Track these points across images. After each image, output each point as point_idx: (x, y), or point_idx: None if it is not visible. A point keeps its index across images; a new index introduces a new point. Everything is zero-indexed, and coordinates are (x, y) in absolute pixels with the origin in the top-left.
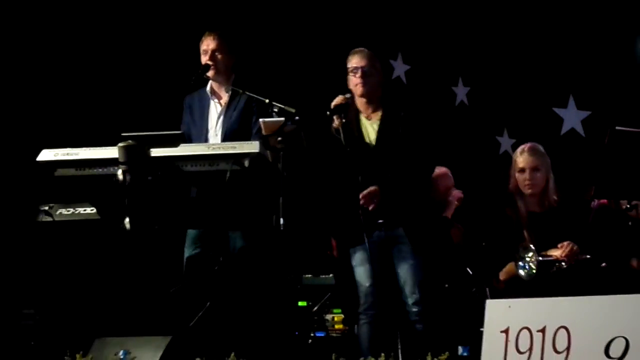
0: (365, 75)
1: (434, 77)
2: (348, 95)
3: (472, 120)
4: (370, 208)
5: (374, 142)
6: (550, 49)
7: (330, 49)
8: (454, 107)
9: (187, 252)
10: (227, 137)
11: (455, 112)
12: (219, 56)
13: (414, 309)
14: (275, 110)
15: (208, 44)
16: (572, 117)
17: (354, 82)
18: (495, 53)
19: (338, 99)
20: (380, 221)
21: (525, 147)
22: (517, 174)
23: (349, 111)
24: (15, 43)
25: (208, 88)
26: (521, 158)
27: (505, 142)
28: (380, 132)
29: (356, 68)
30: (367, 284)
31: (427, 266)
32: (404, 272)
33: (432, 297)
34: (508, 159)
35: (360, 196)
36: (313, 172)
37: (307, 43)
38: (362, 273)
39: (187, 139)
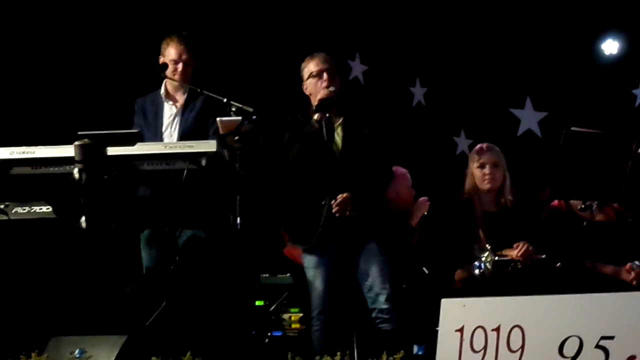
0: (332, 77)
1: (391, 77)
2: (332, 89)
3: (430, 120)
4: (346, 215)
5: (339, 148)
6: (507, 50)
7: (289, 49)
8: (412, 108)
9: (145, 259)
10: (183, 138)
11: (412, 113)
12: (189, 67)
13: (385, 307)
14: (233, 109)
15: (180, 54)
16: (529, 118)
17: (320, 85)
18: (452, 54)
19: (324, 92)
20: (337, 235)
21: (484, 145)
22: (475, 170)
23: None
24: None
25: (162, 90)
26: (481, 154)
27: (462, 142)
28: (344, 140)
29: (320, 71)
30: (320, 288)
31: (393, 263)
32: (373, 269)
33: (400, 295)
34: (465, 159)
35: (334, 205)
36: (276, 170)
37: (265, 43)
38: (315, 276)
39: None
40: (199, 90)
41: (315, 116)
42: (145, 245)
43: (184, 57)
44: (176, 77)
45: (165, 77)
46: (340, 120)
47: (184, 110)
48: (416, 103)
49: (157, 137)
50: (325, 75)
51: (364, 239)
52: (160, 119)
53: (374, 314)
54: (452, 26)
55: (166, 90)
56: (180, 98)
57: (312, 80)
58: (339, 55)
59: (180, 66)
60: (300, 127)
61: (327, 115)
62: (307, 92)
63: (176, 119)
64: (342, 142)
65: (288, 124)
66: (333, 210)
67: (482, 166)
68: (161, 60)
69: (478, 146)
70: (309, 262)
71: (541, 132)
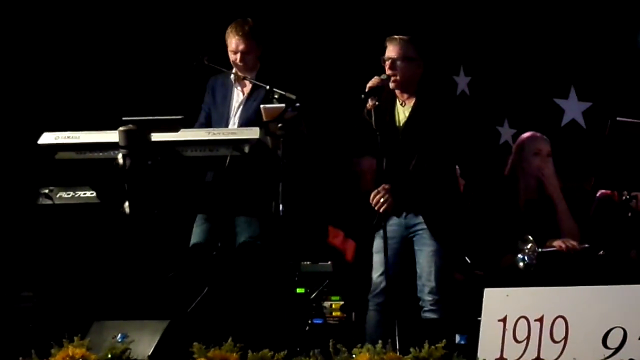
0: (396, 67)
1: (435, 65)
2: (384, 77)
3: (473, 110)
4: (381, 210)
5: (402, 126)
6: (552, 40)
7: (338, 37)
8: (456, 97)
9: (194, 238)
10: (243, 126)
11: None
12: (248, 57)
13: (428, 298)
14: (276, 96)
15: (237, 45)
16: (573, 108)
17: (387, 72)
18: (497, 43)
19: (374, 81)
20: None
21: (536, 133)
22: (531, 157)
23: (384, 94)
24: (18, 26)
25: (232, 76)
26: (537, 142)
27: (506, 132)
28: (409, 118)
29: (388, 58)
30: (379, 272)
31: (447, 254)
32: (423, 258)
33: (449, 286)
34: (508, 149)
35: (371, 196)
36: (321, 158)
37: (317, 30)
38: (377, 260)
39: (207, 119)
40: (243, 77)
41: (367, 105)
42: (197, 230)
43: (240, 47)
44: (237, 66)
45: (210, 64)
46: (413, 101)
47: (248, 99)
48: (460, 92)
49: (223, 119)
50: (389, 64)
51: (420, 226)
52: (228, 103)
53: (420, 303)
54: (496, 15)
55: (236, 75)
56: (248, 86)
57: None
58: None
59: (238, 57)
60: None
61: (377, 103)
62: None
63: (241, 105)
64: (406, 122)
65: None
66: (372, 202)
67: (537, 154)
68: (231, 57)
69: (531, 134)
70: (375, 246)
71: (585, 122)
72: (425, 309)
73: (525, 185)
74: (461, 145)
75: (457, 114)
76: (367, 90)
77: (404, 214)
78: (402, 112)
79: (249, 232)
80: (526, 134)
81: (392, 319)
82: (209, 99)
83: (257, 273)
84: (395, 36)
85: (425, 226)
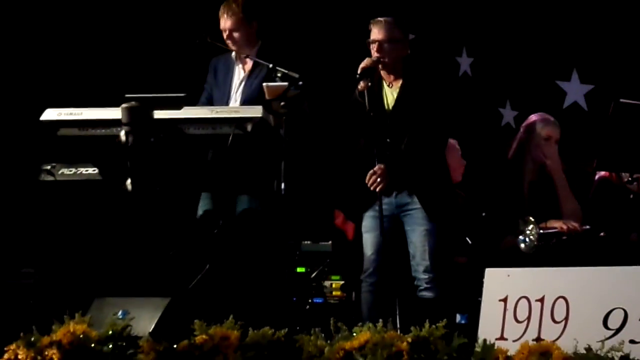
0: (383, 49)
1: (437, 46)
2: (374, 58)
3: (475, 91)
4: (377, 190)
5: (391, 109)
6: (554, 22)
7: (339, 17)
8: (458, 78)
9: (203, 205)
10: (245, 103)
11: (458, 83)
12: (236, 34)
13: (424, 276)
14: (279, 75)
15: (225, 23)
16: (575, 91)
17: (373, 54)
18: (499, 25)
19: (366, 61)
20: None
21: (549, 117)
22: (541, 142)
23: (375, 76)
24: (22, 2)
25: (233, 53)
26: (549, 128)
27: (508, 113)
28: (398, 99)
29: (374, 41)
30: (371, 251)
31: (441, 233)
32: (416, 238)
33: (443, 265)
34: (510, 131)
35: (367, 176)
36: (323, 137)
37: (317, 10)
38: (368, 240)
39: (209, 99)
40: (243, 55)
41: (360, 86)
42: (204, 201)
43: (227, 25)
44: (230, 44)
45: (213, 42)
46: (400, 82)
47: (249, 76)
48: (462, 73)
49: (224, 98)
50: (376, 46)
51: (412, 205)
52: (230, 81)
53: (415, 282)
54: None
55: (237, 53)
56: (249, 64)
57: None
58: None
59: (225, 35)
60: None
61: (370, 84)
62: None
63: (242, 83)
64: (395, 103)
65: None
66: (368, 182)
67: (547, 139)
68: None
69: (544, 117)
70: (364, 225)
71: (587, 105)
72: (421, 287)
73: (530, 168)
74: (453, 124)
75: (445, 91)
76: (359, 71)
77: (395, 193)
78: (390, 93)
79: (249, 204)
80: (537, 116)
81: (388, 298)
82: (211, 78)
83: (258, 240)
84: (380, 18)
85: (417, 205)
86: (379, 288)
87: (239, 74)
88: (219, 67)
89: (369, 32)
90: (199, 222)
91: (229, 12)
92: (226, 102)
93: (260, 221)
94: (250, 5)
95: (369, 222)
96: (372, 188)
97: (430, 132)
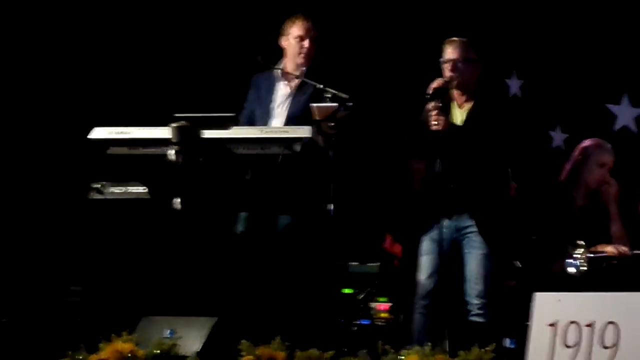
0: (457, 69)
1: (488, 68)
2: (446, 78)
3: (525, 113)
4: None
5: (460, 124)
6: (606, 45)
7: (391, 37)
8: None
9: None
10: (290, 121)
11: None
12: (315, 44)
13: (476, 301)
14: (329, 95)
15: (308, 31)
16: (625, 114)
17: (447, 74)
18: (550, 47)
19: (438, 82)
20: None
21: (605, 143)
22: (595, 167)
23: (445, 96)
24: (72, 18)
25: (279, 71)
26: (605, 154)
27: (558, 136)
28: (467, 120)
29: (449, 60)
30: (427, 274)
31: (497, 258)
32: (473, 261)
33: (496, 291)
34: (560, 154)
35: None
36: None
37: (371, 28)
38: (425, 262)
39: (250, 116)
40: (299, 78)
41: (430, 106)
42: (242, 222)
43: (311, 34)
44: (302, 55)
45: (264, 62)
46: (471, 103)
47: (296, 93)
48: (512, 95)
49: (266, 114)
50: (450, 66)
51: (471, 229)
52: (271, 96)
53: (467, 306)
54: (550, 19)
55: (284, 69)
56: (294, 81)
57: (443, 67)
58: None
59: (306, 42)
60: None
61: (441, 104)
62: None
63: (289, 99)
64: (465, 120)
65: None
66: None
67: (602, 166)
68: (282, 41)
69: (600, 143)
70: (423, 248)
71: (637, 128)
72: (473, 312)
73: (582, 193)
74: (514, 148)
75: (512, 116)
76: (431, 91)
77: (454, 216)
78: (460, 114)
79: (289, 221)
80: (592, 141)
81: (440, 321)
82: (253, 95)
83: (306, 260)
84: (455, 38)
85: (475, 229)
86: (432, 311)
87: (285, 89)
88: (261, 84)
89: (440, 52)
90: (242, 241)
91: (311, 22)
92: (268, 119)
93: (304, 237)
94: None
95: (427, 245)
96: (433, 128)
97: (495, 156)
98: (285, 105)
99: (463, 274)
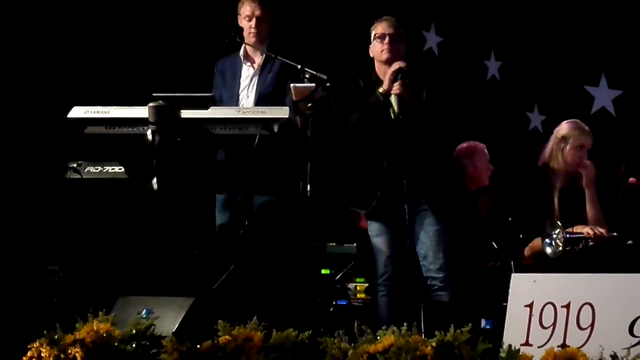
0: (393, 42)
1: (466, 50)
2: (403, 64)
3: (503, 95)
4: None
5: (396, 114)
6: (583, 27)
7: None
8: (485, 81)
9: (219, 218)
10: (260, 99)
11: (486, 86)
12: (263, 24)
13: (438, 275)
14: (307, 76)
15: (253, 11)
16: (603, 96)
17: (380, 48)
18: (528, 29)
19: (400, 63)
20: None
21: (583, 126)
22: (572, 149)
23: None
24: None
25: (241, 52)
26: (583, 137)
27: (535, 118)
28: (400, 104)
29: (383, 34)
30: (384, 255)
31: (451, 233)
32: (427, 238)
33: (457, 265)
34: (537, 135)
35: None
36: (343, 139)
37: (338, 10)
38: (380, 243)
39: (219, 103)
40: (273, 56)
41: (395, 89)
42: (220, 209)
43: (256, 13)
44: (251, 34)
45: (242, 41)
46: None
47: (261, 71)
48: (490, 77)
49: (234, 98)
50: (387, 39)
51: (420, 207)
52: (238, 80)
53: (428, 282)
54: (528, 0)
55: (245, 51)
56: (258, 59)
57: (375, 43)
58: (414, 26)
59: (253, 22)
60: (362, 94)
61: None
62: (371, 54)
63: (254, 79)
64: (398, 107)
65: (351, 90)
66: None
67: (580, 147)
68: (239, 20)
69: (578, 125)
70: (373, 229)
71: (615, 110)
72: (435, 287)
73: (560, 175)
74: (455, 125)
75: (447, 95)
76: (398, 74)
77: (405, 202)
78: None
79: (265, 197)
80: (571, 124)
81: (413, 302)
82: (218, 81)
83: (283, 241)
84: (388, 16)
85: (426, 207)
86: (396, 291)
87: (248, 71)
88: (225, 69)
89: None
90: (224, 225)
91: (258, 2)
92: (237, 101)
93: (282, 218)
94: (271, 3)
95: (376, 226)
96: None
97: (435, 136)
98: (252, 86)
99: (419, 252)
